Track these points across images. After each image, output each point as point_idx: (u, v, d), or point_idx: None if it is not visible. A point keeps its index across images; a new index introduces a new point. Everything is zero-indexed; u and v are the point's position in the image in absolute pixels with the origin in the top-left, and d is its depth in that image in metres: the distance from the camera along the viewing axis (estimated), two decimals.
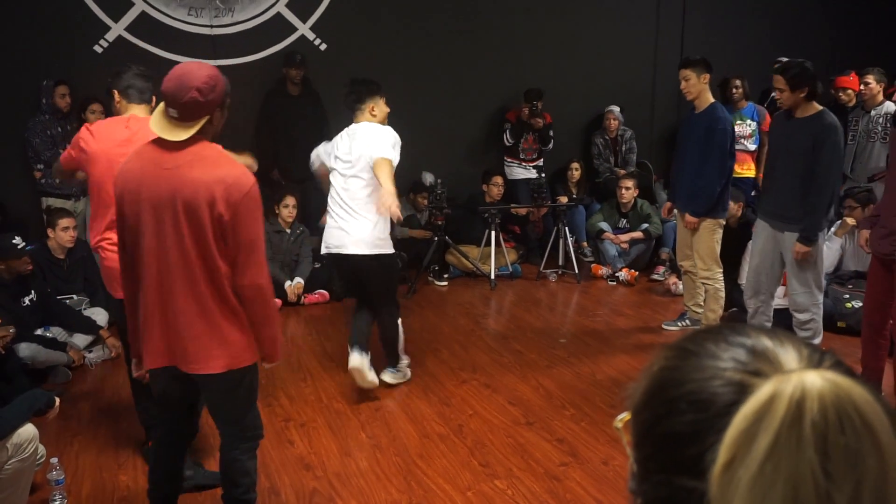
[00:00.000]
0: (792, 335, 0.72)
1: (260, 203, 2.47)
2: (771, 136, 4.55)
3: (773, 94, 7.37)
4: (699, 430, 0.66)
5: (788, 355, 0.68)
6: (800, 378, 0.61)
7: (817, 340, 4.41)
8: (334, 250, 4.21)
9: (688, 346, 0.72)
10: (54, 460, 3.23)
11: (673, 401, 0.69)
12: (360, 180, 4.17)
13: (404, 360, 4.48)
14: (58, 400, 3.74)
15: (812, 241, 4.14)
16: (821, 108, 4.17)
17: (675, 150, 5.32)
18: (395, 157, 4.18)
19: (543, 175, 7.22)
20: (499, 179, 7.12)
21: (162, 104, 2.45)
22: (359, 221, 4.13)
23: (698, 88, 4.88)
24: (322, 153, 4.53)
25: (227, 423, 2.71)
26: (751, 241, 5.47)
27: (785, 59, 4.21)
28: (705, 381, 0.68)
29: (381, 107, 4.40)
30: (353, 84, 4.43)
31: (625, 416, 0.77)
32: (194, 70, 2.44)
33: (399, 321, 4.41)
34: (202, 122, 2.42)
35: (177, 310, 2.46)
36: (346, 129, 4.35)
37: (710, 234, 4.98)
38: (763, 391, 0.62)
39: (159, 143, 2.47)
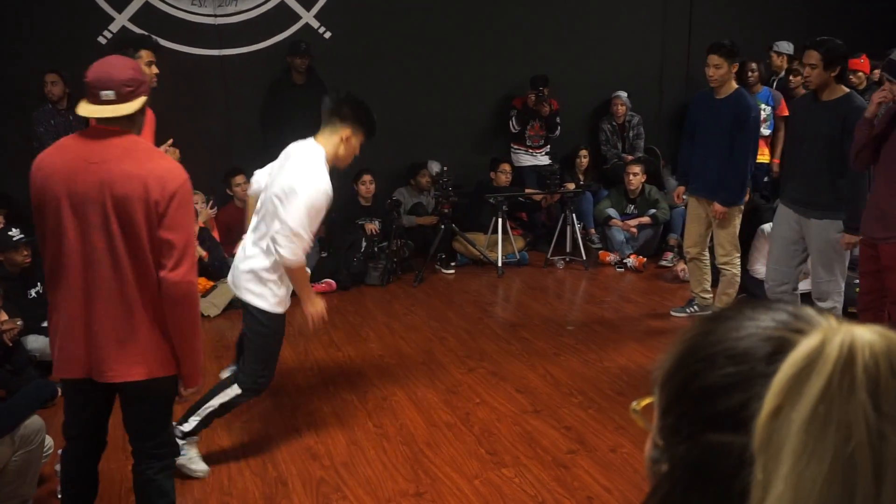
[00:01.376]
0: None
1: (192, 202, 2.40)
2: (795, 119, 4.44)
3: (776, 77, 7.33)
4: (739, 381, 0.66)
5: (829, 320, 0.67)
6: (849, 329, 0.61)
7: None
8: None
9: (724, 312, 0.73)
10: (62, 451, 3.23)
11: (709, 357, 0.69)
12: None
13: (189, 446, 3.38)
14: (60, 391, 3.76)
15: (857, 230, 3.98)
16: (848, 90, 4.08)
17: (687, 134, 5.21)
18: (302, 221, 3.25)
19: (557, 163, 7.17)
20: (506, 167, 7.09)
21: (86, 98, 2.36)
22: None
23: (727, 77, 4.78)
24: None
25: (143, 439, 2.54)
26: (762, 227, 5.44)
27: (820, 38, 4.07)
28: (743, 338, 0.68)
29: (352, 144, 3.56)
30: (354, 100, 3.61)
31: (644, 400, 0.77)
32: (117, 57, 2.44)
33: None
34: (141, 101, 2.36)
35: (101, 314, 2.33)
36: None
37: (733, 221, 4.93)
38: (813, 338, 0.61)
39: (84, 136, 2.38)
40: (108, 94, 2.32)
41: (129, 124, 2.38)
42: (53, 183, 2.32)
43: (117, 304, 2.34)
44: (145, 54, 3.97)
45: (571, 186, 7.12)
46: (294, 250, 3.17)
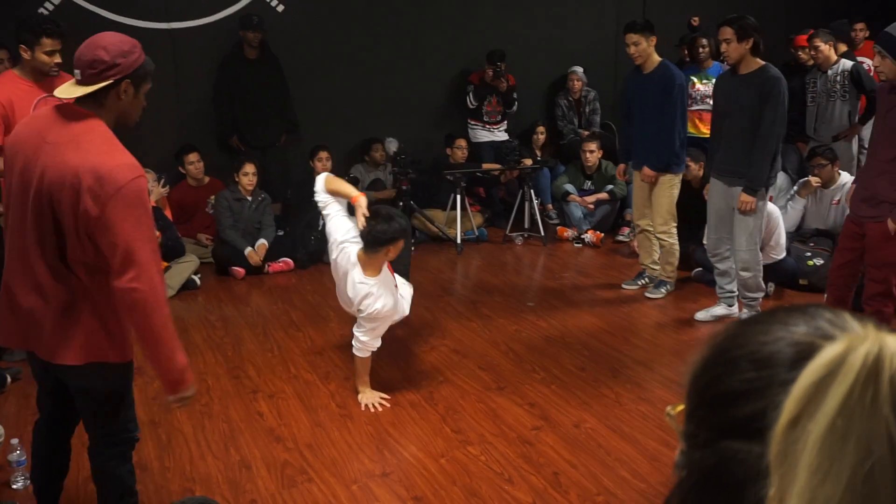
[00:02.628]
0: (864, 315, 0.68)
1: (142, 201, 2.14)
2: (717, 94, 4.65)
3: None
4: (758, 388, 0.63)
5: (862, 327, 0.64)
6: (877, 336, 0.57)
7: (760, 295, 4.64)
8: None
9: (756, 316, 0.70)
10: (15, 441, 3.13)
11: (733, 360, 0.66)
12: None
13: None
14: (9, 379, 3.65)
15: (755, 191, 4.29)
16: (763, 62, 4.29)
17: (623, 114, 5.38)
18: None
19: (515, 139, 7.16)
20: (462, 142, 7.06)
21: None
22: None
23: (648, 52, 4.95)
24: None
25: (92, 425, 2.45)
26: None
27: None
28: (770, 343, 0.65)
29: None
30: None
31: (679, 406, 0.74)
32: (111, 34, 2.26)
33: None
34: (101, 85, 2.16)
35: (37, 291, 2.25)
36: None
37: (669, 189, 5.06)
38: (837, 345, 0.57)
39: (56, 110, 2.24)
40: (77, 73, 2.19)
41: (97, 108, 2.21)
42: (14, 154, 2.24)
43: (49, 286, 2.23)
44: (48, 43, 3.74)
45: (529, 162, 7.12)
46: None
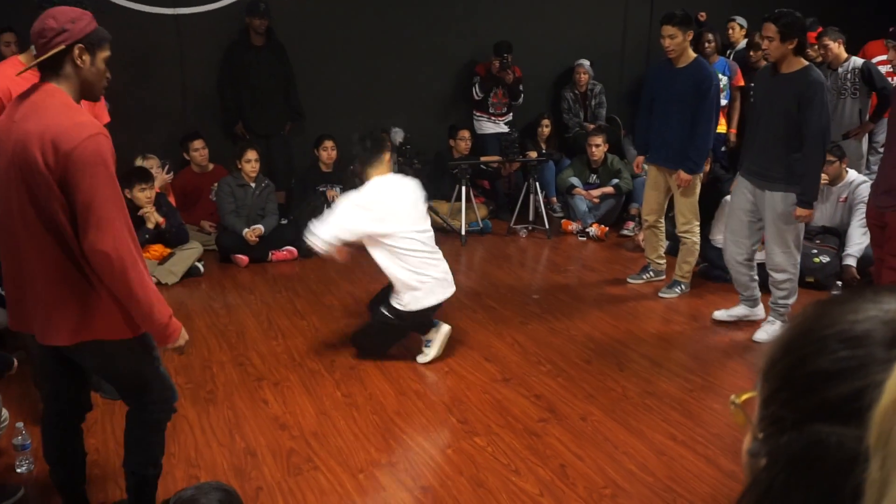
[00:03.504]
0: None
1: (100, 158, 2.13)
2: (755, 92, 4.47)
3: (732, 50, 7.39)
4: (853, 367, 0.59)
5: None
6: None
7: (792, 300, 4.44)
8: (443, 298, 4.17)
9: (841, 296, 0.67)
10: (19, 425, 3.11)
11: (822, 339, 0.62)
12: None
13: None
14: (16, 362, 3.62)
15: (810, 205, 4.08)
16: (807, 63, 4.11)
17: (644, 105, 5.21)
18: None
19: (515, 131, 7.13)
20: (465, 133, 7.02)
21: None
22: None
23: (683, 46, 4.79)
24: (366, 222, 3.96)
25: (125, 398, 2.51)
26: (725, 198, 5.49)
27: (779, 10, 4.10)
28: (861, 321, 0.62)
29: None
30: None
31: (745, 394, 0.70)
32: (60, 7, 2.27)
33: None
34: (53, 51, 2.17)
35: (28, 275, 2.26)
36: (384, 183, 4.08)
37: (694, 189, 4.98)
38: None
39: (24, 91, 2.27)
40: (32, 48, 2.26)
41: (55, 78, 2.22)
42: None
43: (40, 267, 2.23)
44: None
45: (534, 155, 7.09)
46: None
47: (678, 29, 4.72)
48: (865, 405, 0.56)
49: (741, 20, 7.43)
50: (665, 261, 5.39)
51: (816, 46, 6.42)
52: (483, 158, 7.00)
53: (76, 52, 2.20)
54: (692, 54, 4.86)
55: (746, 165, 4.39)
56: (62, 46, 2.18)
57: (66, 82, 2.23)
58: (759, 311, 4.66)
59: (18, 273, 2.30)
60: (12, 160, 2.18)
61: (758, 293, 4.63)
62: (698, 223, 5.06)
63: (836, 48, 6.04)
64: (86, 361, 2.38)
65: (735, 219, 4.47)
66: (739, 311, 4.70)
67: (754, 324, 4.62)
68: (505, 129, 7.31)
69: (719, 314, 4.74)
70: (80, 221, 2.14)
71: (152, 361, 2.46)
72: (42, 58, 2.19)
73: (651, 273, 5.43)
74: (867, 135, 6.20)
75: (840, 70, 6.09)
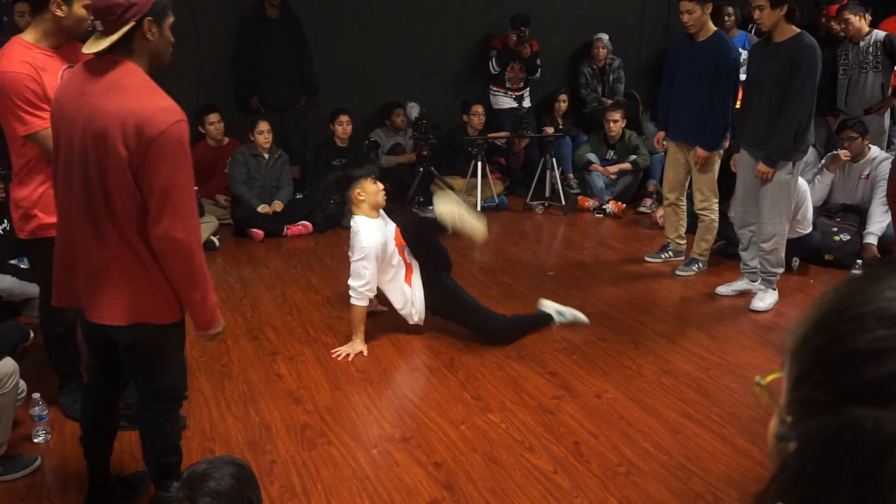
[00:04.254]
0: None
1: (182, 145, 2.13)
2: (750, 63, 4.48)
3: (754, 24, 7.24)
4: (891, 348, 0.56)
5: None
6: None
7: (780, 270, 4.51)
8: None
9: (877, 271, 0.63)
10: (36, 395, 3.14)
11: (857, 318, 0.59)
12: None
13: None
14: (32, 333, 3.65)
15: (773, 162, 4.17)
16: (799, 30, 4.14)
17: (666, 80, 5.12)
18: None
19: (526, 106, 7.05)
20: (479, 108, 6.94)
21: None
22: None
23: (703, 20, 4.71)
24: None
25: (139, 383, 2.48)
26: None
27: None
28: None
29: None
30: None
31: (770, 374, 0.67)
32: None
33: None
34: (123, 30, 2.11)
35: (84, 251, 2.24)
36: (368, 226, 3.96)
37: (712, 166, 4.93)
38: None
39: (91, 64, 2.20)
40: (98, 24, 2.14)
41: (128, 53, 2.17)
42: (58, 110, 2.23)
43: (97, 245, 2.22)
44: None
45: (550, 130, 7.02)
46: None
47: (696, 3, 4.66)
48: None
49: None
50: (685, 241, 5.32)
51: (837, 20, 6.30)
52: (492, 135, 6.93)
53: (146, 25, 2.15)
54: (712, 27, 4.78)
55: (746, 137, 4.44)
56: (133, 23, 2.13)
57: (137, 57, 2.18)
58: (759, 285, 4.67)
59: (71, 247, 2.29)
60: (83, 136, 2.13)
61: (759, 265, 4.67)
62: (717, 200, 5.00)
63: (858, 22, 5.91)
64: (131, 342, 2.37)
65: (741, 190, 4.54)
66: (741, 284, 4.74)
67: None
68: (523, 103, 7.23)
69: (722, 289, 4.78)
70: (154, 206, 2.12)
71: (181, 347, 2.47)
72: (115, 36, 2.12)
73: (670, 252, 5.38)
74: (889, 110, 6.08)
75: (861, 44, 5.97)
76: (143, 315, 2.26)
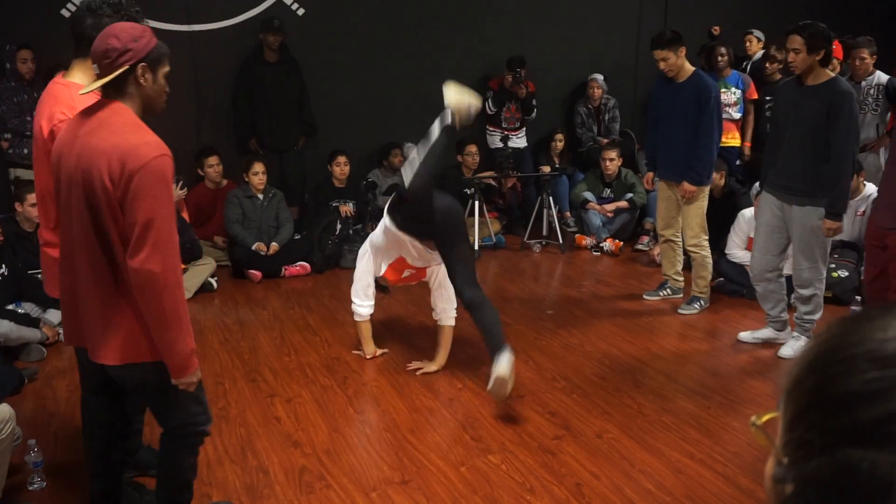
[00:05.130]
0: None
1: (164, 179, 2.14)
2: (778, 104, 4.39)
3: (749, 62, 7.35)
4: (883, 389, 0.56)
5: None
6: None
7: (818, 315, 4.36)
8: None
9: (868, 312, 0.63)
10: (32, 442, 3.10)
11: (850, 359, 0.59)
12: None
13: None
14: (27, 379, 3.63)
15: (839, 217, 4.01)
16: (833, 74, 4.06)
17: (650, 121, 5.24)
18: None
19: (514, 146, 7.08)
20: (472, 149, 6.98)
21: None
22: None
23: (679, 64, 4.83)
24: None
25: (156, 419, 2.48)
26: (742, 213, 5.44)
27: (804, 21, 4.03)
28: (891, 340, 0.58)
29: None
30: None
31: (766, 415, 0.67)
32: (121, 24, 2.27)
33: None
34: (116, 73, 2.17)
35: (82, 292, 2.27)
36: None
37: (701, 202, 4.96)
38: None
39: (87, 107, 2.27)
40: (95, 67, 2.21)
41: (120, 96, 2.23)
42: (56, 156, 2.27)
43: (93, 284, 2.24)
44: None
45: (547, 169, 7.07)
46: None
47: (668, 51, 4.78)
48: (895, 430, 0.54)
49: (758, 33, 7.41)
50: (683, 278, 5.33)
51: (833, 60, 6.38)
52: (479, 175, 6.94)
53: (139, 70, 2.21)
54: (689, 68, 4.90)
55: (771, 180, 4.29)
56: (126, 67, 2.18)
57: (129, 100, 2.23)
58: (786, 335, 4.51)
59: (74, 288, 2.31)
60: (73, 175, 2.18)
61: (785, 315, 4.51)
62: (706, 237, 5.02)
63: (870, 61, 6.00)
64: (127, 382, 2.37)
65: (761, 234, 4.39)
66: (766, 333, 4.58)
67: (776, 343, 4.54)
68: (518, 143, 7.29)
69: (745, 335, 4.63)
70: (135, 239, 2.12)
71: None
72: (106, 79, 2.18)
73: (668, 290, 5.38)
74: (883, 148, 6.14)
75: (863, 84, 6.04)
76: (140, 354, 2.26)
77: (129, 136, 2.15)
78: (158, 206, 2.13)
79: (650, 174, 5.33)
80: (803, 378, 0.63)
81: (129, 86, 2.22)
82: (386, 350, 4.41)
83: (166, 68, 2.30)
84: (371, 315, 4.31)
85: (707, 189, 4.99)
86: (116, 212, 2.14)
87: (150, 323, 2.20)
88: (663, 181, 5.12)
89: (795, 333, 4.44)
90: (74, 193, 2.20)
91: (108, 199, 2.13)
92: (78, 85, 2.68)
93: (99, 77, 2.21)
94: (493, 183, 7.08)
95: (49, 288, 2.77)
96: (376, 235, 4.16)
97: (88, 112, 2.25)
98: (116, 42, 2.18)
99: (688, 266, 5.27)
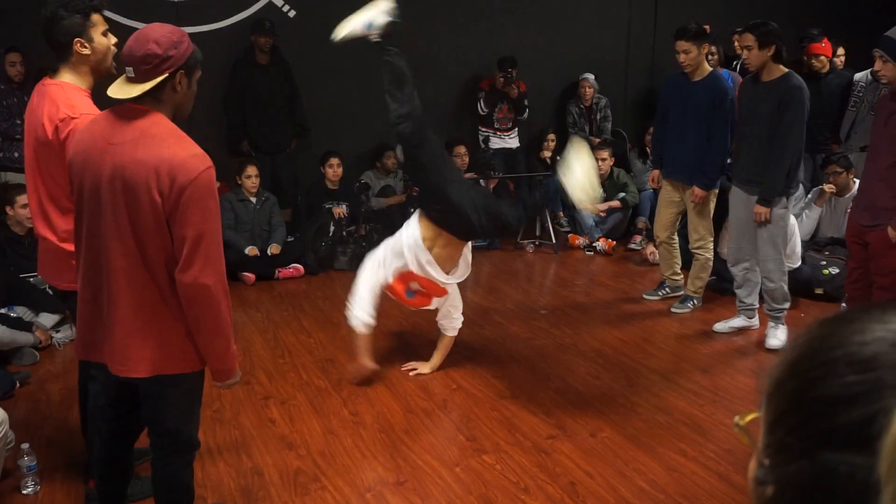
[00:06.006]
0: None
1: (212, 191, 2.14)
2: (740, 102, 4.54)
3: (738, 62, 7.36)
4: (862, 392, 0.56)
5: None
6: None
7: (787, 304, 4.50)
8: None
9: (847, 314, 0.63)
10: (25, 446, 3.09)
11: (829, 363, 0.59)
12: None
13: None
14: (18, 383, 3.62)
15: (769, 201, 4.21)
16: (786, 70, 4.21)
17: (659, 118, 5.13)
18: None
19: (490, 150, 7.05)
20: (461, 150, 6.96)
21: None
22: None
23: (699, 60, 4.72)
24: None
25: (160, 434, 2.44)
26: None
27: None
28: (869, 343, 0.58)
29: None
30: None
31: (749, 415, 0.67)
32: (157, 26, 2.21)
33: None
34: (157, 80, 2.13)
35: (110, 303, 2.21)
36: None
37: (708, 205, 4.95)
38: None
39: (114, 112, 2.22)
40: (129, 70, 2.15)
41: (154, 103, 2.17)
42: (79, 160, 2.22)
43: (125, 295, 2.19)
44: (97, 20, 2.76)
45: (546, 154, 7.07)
46: None
47: (692, 43, 4.67)
48: (876, 432, 0.54)
49: None
50: (681, 276, 5.33)
51: (822, 57, 6.41)
52: (468, 175, 6.91)
53: (177, 77, 2.18)
54: (708, 68, 4.79)
55: (737, 173, 4.49)
56: (167, 74, 2.14)
57: (163, 106, 2.20)
58: (756, 321, 4.70)
59: (94, 299, 2.26)
60: (111, 184, 2.12)
61: (756, 302, 4.67)
62: (712, 239, 5.03)
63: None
64: (154, 393, 2.34)
65: (735, 227, 4.57)
66: (738, 322, 4.75)
67: (764, 338, 4.58)
68: (511, 143, 7.31)
69: (719, 326, 4.78)
70: (186, 253, 2.12)
71: (200, 398, 2.46)
72: (147, 86, 2.13)
73: (668, 289, 5.39)
74: None
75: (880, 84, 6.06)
76: (169, 366, 2.25)
77: (175, 147, 2.12)
78: (209, 219, 2.13)
79: (656, 172, 5.17)
80: (783, 381, 0.63)
81: (166, 92, 2.18)
82: (378, 367, 4.11)
83: (199, 73, 2.29)
84: (373, 327, 3.99)
85: (716, 192, 4.93)
86: (163, 226, 2.12)
87: (200, 332, 2.23)
88: (669, 181, 5.06)
89: (771, 324, 4.56)
90: (107, 203, 2.14)
91: (156, 212, 2.10)
92: (71, 85, 2.70)
93: (134, 80, 2.15)
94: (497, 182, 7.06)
95: (48, 274, 2.83)
96: (396, 242, 4.02)
97: (121, 119, 2.18)
98: (157, 48, 2.13)
99: (687, 265, 5.24)
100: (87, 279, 2.28)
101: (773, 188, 4.22)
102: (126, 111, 2.19)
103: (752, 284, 4.60)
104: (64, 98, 2.61)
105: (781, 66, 4.19)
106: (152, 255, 2.16)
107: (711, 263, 5.08)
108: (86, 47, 2.69)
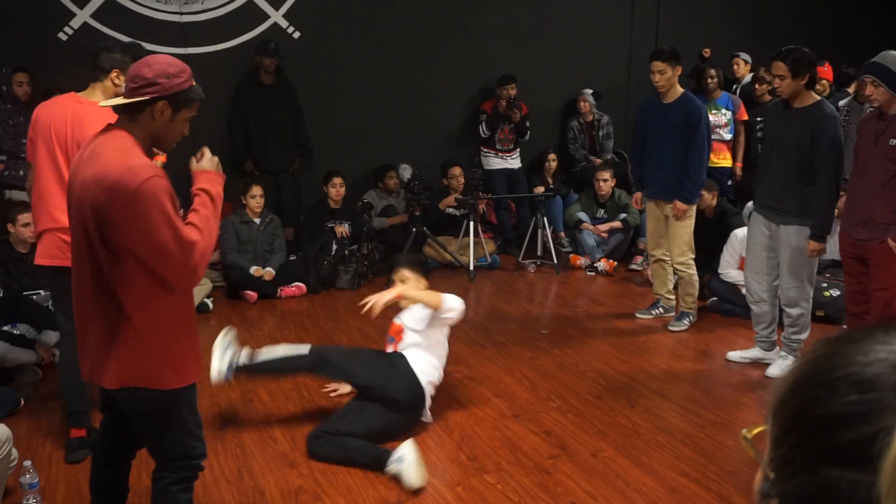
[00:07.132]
0: None
1: (158, 199, 2.07)
2: (767, 127, 4.49)
3: (738, 85, 7.43)
4: (864, 412, 0.58)
5: None
6: None
7: (805, 335, 4.39)
8: None
9: (850, 334, 0.65)
10: (27, 463, 3.09)
11: (831, 382, 0.61)
12: None
13: None
14: (23, 400, 3.62)
15: (822, 238, 4.07)
16: (819, 97, 4.13)
17: (638, 142, 5.30)
18: None
19: (479, 170, 7.06)
20: (456, 171, 7.00)
21: None
22: None
23: (672, 81, 4.91)
24: None
25: (151, 450, 2.44)
26: (734, 232, 5.49)
27: (787, 47, 4.09)
28: (871, 363, 0.60)
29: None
30: None
31: (755, 427, 0.69)
32: (164, 56, 2.28)
33: None
34: (136, 99, 2.17)
35: (85, 316, 2.29)
36: None
37: (689, 221, 5.02)
38: None
39: (97, 133, 2.30)
40: (124, 87, 2.27)
41: (129, 123, 2.23)
42: (70, 176, 2.29)
43: (94, 309, 2.25)
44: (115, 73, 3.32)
45: (541, 190, 7.12)
46: None
47: (667, 65, 4.85)
48: (876, 451, 0.55)
49: (745, 56, 7.52)
50: (674, 296, 5.37)
51: (824, 81, 6.46)
52: (442, 203, 6.95)
53: (159, 105, 2.20)
54: (679, 90, 4.98)
55: (760, 200, 4.37)
56: (146, 97, 2.18)
57: (137, 128, 2.22)
58: (774, 354, 4.53)
59: (80, 314, 2.33)
60: (72, 204, 2.22)
61: (774, 335, 4.54)
62: (693, 255, 5.08)
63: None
64: (126, 406, 2.37)
65: (753, 255, 4.44)
66: (755, 353, 4.60)
67: (765, 363, 4.56)
68: (513, 164, 7.37)
69: (734, 355, 4.65)
70: (156, 268, 2.15)
71: (184, 415, 2.39)
72: (124, 101, 2.20)
73: (661, 309, 5.41)
74: None
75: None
76: (135, 379, 2.25)
77: (112, 164, 2.10)
78: (163, 226, 2.09)
79: (638, 194, 5.36)
80: (787, 398, 0.65)
81: (144, 114, 2.21)
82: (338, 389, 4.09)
83: (191, 113, 2.28)
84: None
85: (695, 208, 5.06)
86: (109, 241, 2.13)
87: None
88: (651, 201, 5.18)
89: (783, 353, 4.46)
90: (74, 219, 2.23)
91: (101, 228, 2.13)
92: (92, 103, 3.19)
93: (122, 95, 2.25)
94: (454, 211, 7.02)
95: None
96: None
97: (92, 140, 2.26)
98: (147, 71, 2.19)
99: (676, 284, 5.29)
100: (77, 300, 2.33)
101: (827, 223, 4.06)
102: (101, 130, 2.27)
103: (771, 317, 4.46)
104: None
105: (813, 94, 4.09)
106: (108, 275, 2.18)
107: (696, 280, 5.13)
108: (119, 80, 3.29)
